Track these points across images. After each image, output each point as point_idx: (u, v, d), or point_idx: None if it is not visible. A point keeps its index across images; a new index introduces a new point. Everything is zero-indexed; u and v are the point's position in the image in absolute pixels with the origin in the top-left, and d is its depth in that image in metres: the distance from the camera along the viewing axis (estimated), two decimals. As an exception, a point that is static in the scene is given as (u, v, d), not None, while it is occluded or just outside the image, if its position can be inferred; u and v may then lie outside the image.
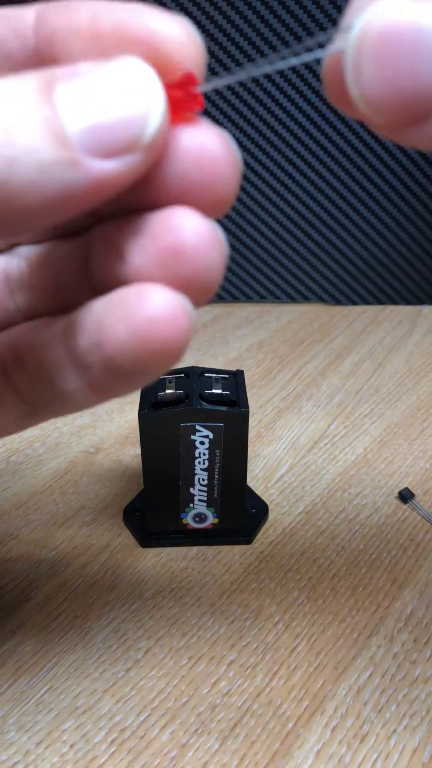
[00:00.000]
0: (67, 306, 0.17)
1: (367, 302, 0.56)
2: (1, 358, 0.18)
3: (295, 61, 0.13)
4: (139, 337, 0.14)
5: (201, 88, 0.14)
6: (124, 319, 0.14)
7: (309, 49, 0.13)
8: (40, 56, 0.15)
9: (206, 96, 0.48)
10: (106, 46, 0.14)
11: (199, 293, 0.14)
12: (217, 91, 0.49)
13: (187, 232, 0.14)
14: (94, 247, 0.17)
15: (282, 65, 0.13)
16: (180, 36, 0.14)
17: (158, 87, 0.13)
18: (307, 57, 0.13)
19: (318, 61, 0.14)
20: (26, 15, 0.15)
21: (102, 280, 0.16)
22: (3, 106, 0.12)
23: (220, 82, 0.14)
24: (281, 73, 0.48)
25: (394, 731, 0.23)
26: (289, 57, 0.13)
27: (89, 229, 0.17)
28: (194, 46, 0.14)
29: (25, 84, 0.13)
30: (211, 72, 0.47)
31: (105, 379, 0.15)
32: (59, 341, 0.16)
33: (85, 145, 0.13)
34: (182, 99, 0.14)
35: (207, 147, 0.14)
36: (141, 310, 0.14)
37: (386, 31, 0.12)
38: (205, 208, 0.14)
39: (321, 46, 0.13)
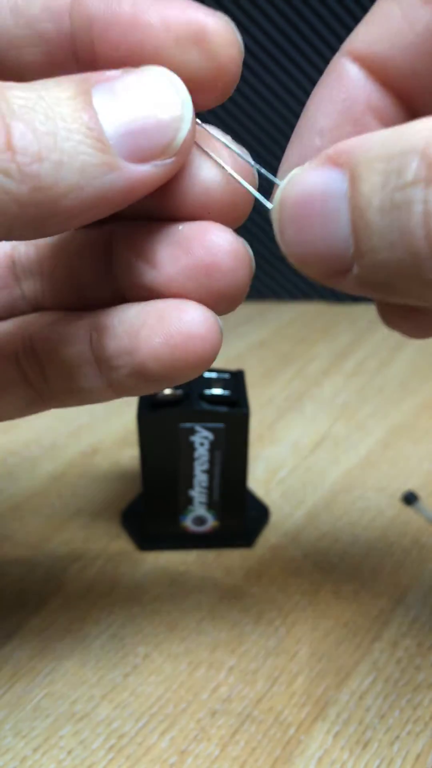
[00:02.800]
0: (83, 300, 0.18)
1: (370, 300, 0.55)
2: (12, 347, 0.18)
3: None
4: (174, 349, 0.15)
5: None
6: (162, 331, 0.15)
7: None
8: (77, 40, 0.15)
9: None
10: (148, 37, 0.14)
11: (226, 306, 0.16)
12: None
13: (224, 251, 0.15)
14: (118, 246, 0.17)
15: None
16: (224, 31, 0.14)
17: (187, 96, 0.14)
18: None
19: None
20: None
21: (129, 282, 0.17)
22: (46, 111, 0.13)
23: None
24: (282, 72, 0.47)
25: (397, 737, 0.22)
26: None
27: (106, 222, 0.17)
28: (235, 41, 0.14)
29: (64, 90, 0.13)
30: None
31: (129, 381, 0.16)
32: (83, 340, 0.17)
33: (123, 149, 0.13)
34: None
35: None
36: (179, 324, 0.15)
37: (298, 198, 0.13)
38: (225, 220, 0.16)
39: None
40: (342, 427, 0.39)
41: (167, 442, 0.27)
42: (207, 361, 0.16)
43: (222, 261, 0.15)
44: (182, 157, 0.14)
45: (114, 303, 0.17)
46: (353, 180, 0.12)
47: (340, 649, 0.25)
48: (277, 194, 0.14)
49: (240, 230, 0.17)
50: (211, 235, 0.15)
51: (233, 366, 0.32)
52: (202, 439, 0.27)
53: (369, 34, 0.15)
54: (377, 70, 0.15)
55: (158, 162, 0.14)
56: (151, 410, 0.27)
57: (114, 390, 0.17)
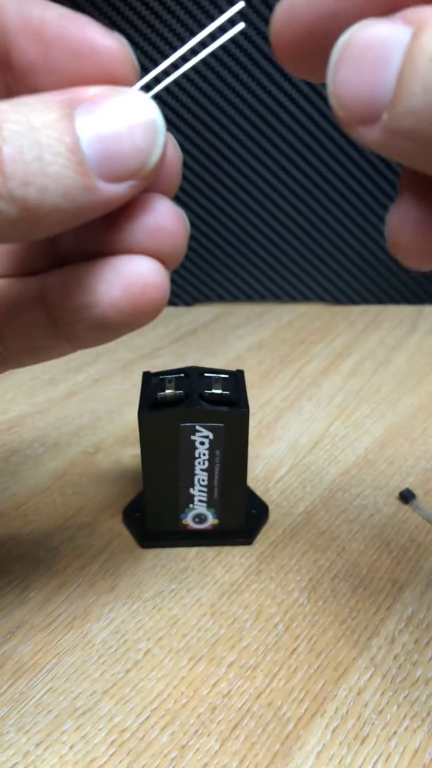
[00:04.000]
0: (30, 267, 0.19)
1: (368, 301, 0.56)
2: None
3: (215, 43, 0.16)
4: (134, 298, 0.17)
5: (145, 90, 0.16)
6: (120, 283, 0.17)
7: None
8: None
9: (206, 97, 0.48)
10: (51, 50, 0.16)
11: (170, 263, 0.18)
12: (216, 90, 0.48)
13: (168, 218, 0.17)
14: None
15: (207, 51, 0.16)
16: (116, 49, 0.16)
17: (162, 124, 0.15)
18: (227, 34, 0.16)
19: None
20: None
21: (73, 248, 0.18)
22: (33, 136, 0.14)
23: (159, 86, 0.17)
24: (281, 73, 0.48)
25: (395, 733, 0.23)
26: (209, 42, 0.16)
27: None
28: (128, 59, 0.16)
29: (49, 112, 0.14)
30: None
31: (89, 333, 0.18)
32: (35, 302, 0.18)
33: (101, 171, 0.15)
34: None
35: (163, 221, 0.17)
36: (136, 275, 0.17)
37: (362, 41, 0.14)
38: (159, 259, 0.17)
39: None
40: (340, 426, 0.39)
41: (168, 441, 0.27)
42: (160, 307, 0.17)
43: (166, 224, 0.17)
44: (151, 178, 0.16)
45: (57, 266, 0.19)
46: (418, 32, 0.13)
47: (338, 646, 0.26)
48: (344, 36, 0.14)
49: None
50: (156, 204, 0.17)
51: (233, 366, 0.33)
52: (202, 438, 0.27)
53: None
54: None
55: (131, 182, 0.15)
56: (151, 410, 0.27)
57: (72, 344, 0.19)
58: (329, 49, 0.14)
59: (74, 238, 0.18)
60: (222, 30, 0.17)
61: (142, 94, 0.15)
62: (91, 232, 0.17)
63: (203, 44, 0.17)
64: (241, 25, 0.17)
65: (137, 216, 0.17)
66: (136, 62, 0.16)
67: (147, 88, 0.16)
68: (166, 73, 0.17)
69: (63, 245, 0.19)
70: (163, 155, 0.16)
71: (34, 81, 0.16)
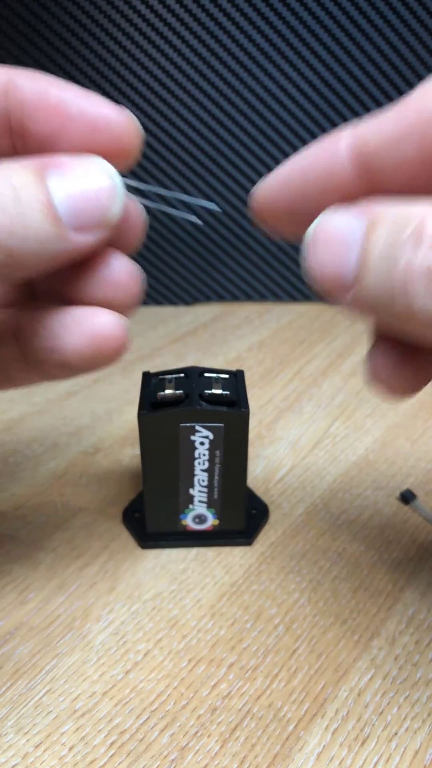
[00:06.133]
0: (4, 299, 0.22)
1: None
2: None
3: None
4: (94, 349, 0.19)
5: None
6: (82, 334, 0.19)
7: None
8: (11, 117, 0.19)
9: (206, 96, 0.48)
10: (69, 122, 0.18)
11: (126, 312, 0.20)
12: (216, 89, 0.48)
13: (124, 273, 0.20)
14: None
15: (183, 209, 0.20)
16: (126, 122, 0.19)
17: (120, 182, 0.18)
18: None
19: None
20: None
21: (45, 290, 0.21)
22: (16, 195, 0.17)
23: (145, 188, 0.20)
24: (281, 71, 0.47)
25: (396, 734, 0.23)
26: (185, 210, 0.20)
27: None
28: (135, 129, 0.19)
29: (27, 174, 0.17)
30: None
31: (55, 371, 0.20)
32: (10, 338, 0.21)
33: (71, 223, 0.18)
34: None
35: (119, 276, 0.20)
36: (97, 328, 0.19)
37: (328, 231, 0.17)
38: (115, 307, 0.20)
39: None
40: (340, 426, 0.39)
41: (168, 442, 0.27)
42: (121, 353, 0.20)
43: (120, 278, 0.20)
44: (112, 228, 0.19)
45: (32, 300, 0.22)
46: (370, 227, 0.16)
47: (338, 647, 0.26)
48: (313, 225, 0.17)
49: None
50: (113, 260, 0.20)
51: (233, 366, 0.33)
52: (202, 438, 0.27)
53: (373, 127, 0.18)
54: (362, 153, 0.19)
55: (96, 232, 0.18)
56: (151, 410, 0.27)
57: (40, 377, 0.21)
58: (301, 218, 0.18)
59: (46, 282, 0.21)
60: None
61: (104, 161, 0.18)
62: (59, 280, 0.20)
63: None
64: (216, 208, 0.22)
65: (97, 269, 0.19)
66: (141, 130, 0.19)
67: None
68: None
69: (37, 284, 0.22)
70: (124, 210, 0.19)
71: (50, 148, 0.19)
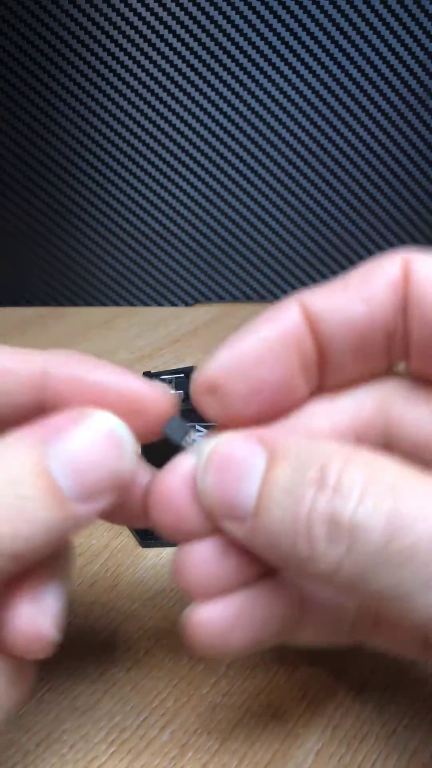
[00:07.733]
0: None
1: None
2: None
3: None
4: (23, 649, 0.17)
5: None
6: (13, 639, 0.17)
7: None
8: (47, 403, 0.18)
9: (207, 99, 0.48)
10: (103, 402, 0.18)
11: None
12: (216, 92, 0.49)
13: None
14: None
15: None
16: (161, 396, 0.19)
17: (131, 447, 0.17)
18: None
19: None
20: (33, 365, 0.18)
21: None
22: (11, 488, 0.15)
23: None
24: (282, 76, 0.48)
25: (394, 731, 0.23)
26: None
27: None
28: (169, 400, 0.19)
29: (23, 463, 0.16)
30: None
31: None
32: None
33: (75, 497, 0.16)
34: None
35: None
36: (21, 642, 0.17)
37: (223, 456, 0.17)
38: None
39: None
40: (340, 426, 0.39)
41: (168, 441, 0.27)
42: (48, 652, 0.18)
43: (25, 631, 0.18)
44: (122, 493, 0.17)
45: None
46: (271, 461, 0.16)
47: (338, 645, 0.26)
48: (208, 446, 0.17)
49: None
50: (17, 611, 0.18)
51: (233, 366, 0.33)
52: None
53: (326, 300, 0.19)
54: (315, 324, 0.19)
55: (103, 500, 0.17)
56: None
57: None
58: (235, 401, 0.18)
59: None
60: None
61: (109, 417, 0.17)
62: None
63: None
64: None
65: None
66: (175, 400, 0.19)
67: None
68: None
69: None
70: (130, 477, 0.18)
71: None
